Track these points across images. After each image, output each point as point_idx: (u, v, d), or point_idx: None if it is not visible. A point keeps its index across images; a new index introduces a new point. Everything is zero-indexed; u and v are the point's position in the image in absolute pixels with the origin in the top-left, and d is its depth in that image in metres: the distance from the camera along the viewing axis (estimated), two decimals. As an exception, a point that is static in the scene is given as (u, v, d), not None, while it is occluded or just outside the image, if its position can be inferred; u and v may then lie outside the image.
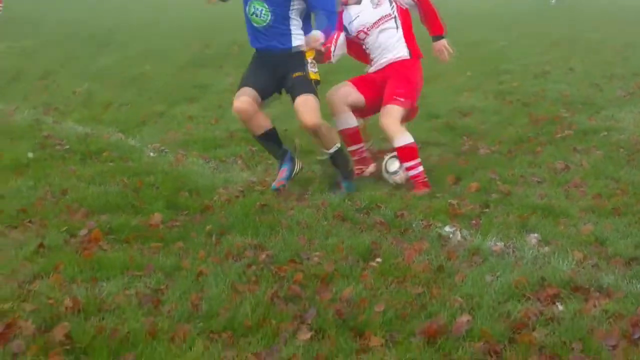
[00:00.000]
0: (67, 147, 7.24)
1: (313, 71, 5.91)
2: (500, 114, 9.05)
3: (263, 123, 6.01)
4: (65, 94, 9.87)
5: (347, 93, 6.37)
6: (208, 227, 5.14)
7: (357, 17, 6.38)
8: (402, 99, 6.18)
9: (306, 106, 5.78)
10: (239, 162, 6.94)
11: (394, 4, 6.35)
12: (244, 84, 5.97)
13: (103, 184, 6.11)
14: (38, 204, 5.56)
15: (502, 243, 4.97)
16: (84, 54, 14.09)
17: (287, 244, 4.88)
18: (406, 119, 6.40)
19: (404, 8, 6.37)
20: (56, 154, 7.00)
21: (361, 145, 6.54)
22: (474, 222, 5.36)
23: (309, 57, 5.92)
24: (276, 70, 5.96)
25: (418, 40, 6.48)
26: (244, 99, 5.85)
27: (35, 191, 5.87)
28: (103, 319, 3.81)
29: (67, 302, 3.93)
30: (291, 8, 5.85)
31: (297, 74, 5.87)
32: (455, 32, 17.20)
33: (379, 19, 6.32)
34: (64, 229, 5.07)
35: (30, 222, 5.20)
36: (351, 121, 6.41)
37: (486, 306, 4.00)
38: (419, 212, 5.54)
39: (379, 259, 4.64)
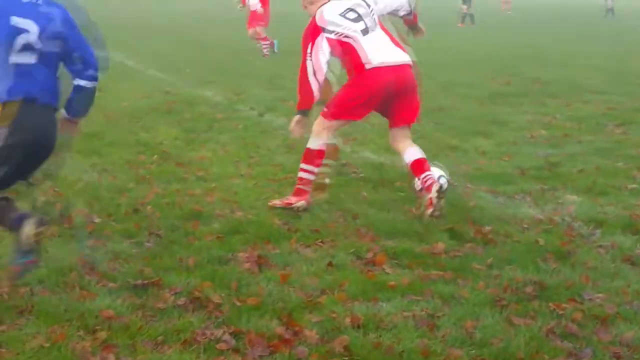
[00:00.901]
0: (362, 174, 7.61)
1: None
2: None
3: None
4: (364, 124, 10.34)
5: None
6: (489, 260, 5.18)
7: None
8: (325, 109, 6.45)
9: None
10: (528, 199, 6.87)
11: None
12: None
13: (392, 211, 6.36)
14: (330, 225, 5.91)
15: None
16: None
17: (568, 282, 4.78)
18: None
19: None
20: (351, 181, 7.39)
21: None
22: None
23: None
24: None
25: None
26: None
27: (329, 214, 6.25)
28: (380, 336, 4.03)
29: (349, 317, 4.20)
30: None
31: None
32: None
33: None
34: (352, 250, 5.37)
35: (322, 242, 5.55)
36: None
37: None
38: None
39: (668, 307, 4.42)
